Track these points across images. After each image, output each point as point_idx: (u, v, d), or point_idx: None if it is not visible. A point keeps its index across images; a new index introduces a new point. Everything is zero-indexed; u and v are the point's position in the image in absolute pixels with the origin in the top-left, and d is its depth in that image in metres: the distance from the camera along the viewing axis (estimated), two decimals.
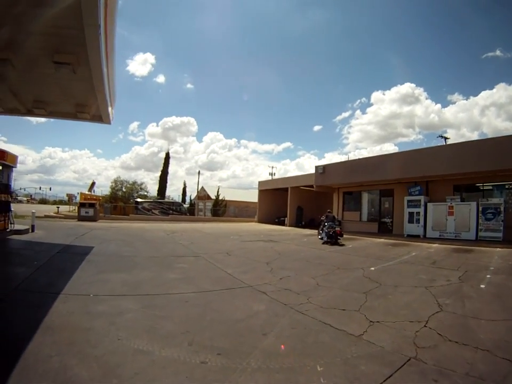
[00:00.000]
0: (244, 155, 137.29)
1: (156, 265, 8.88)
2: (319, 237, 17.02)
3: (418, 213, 18.31)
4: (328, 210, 19.41)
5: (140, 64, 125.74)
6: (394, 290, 6.83)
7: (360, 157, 23.33)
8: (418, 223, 18.21)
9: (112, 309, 5.09)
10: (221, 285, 6.93)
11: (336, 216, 19.44)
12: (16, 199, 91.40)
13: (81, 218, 26.33)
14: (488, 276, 8.18)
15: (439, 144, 19.61)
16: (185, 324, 4.62)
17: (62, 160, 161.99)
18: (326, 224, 16.67)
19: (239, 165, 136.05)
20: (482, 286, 7.22)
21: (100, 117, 13.02)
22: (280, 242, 15.64)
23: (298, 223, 29.96)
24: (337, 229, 15.98)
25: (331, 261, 10.29)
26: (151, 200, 43.21)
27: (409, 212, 18.71)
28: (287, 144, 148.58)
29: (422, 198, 18.35)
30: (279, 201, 34.53)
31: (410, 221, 18.58)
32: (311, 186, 26.99)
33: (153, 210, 39.31)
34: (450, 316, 5.18)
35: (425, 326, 4.71)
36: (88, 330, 4.21)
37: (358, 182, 21.49)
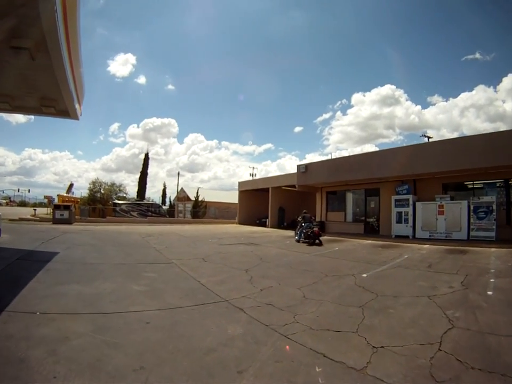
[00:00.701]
0: (225, 156, 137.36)
1: (121, 275, 7.76)
2: (296, 237, 16.97)
3: (406, 213, 17.59)
4: (304, 211, 19.02)
5: (120, 65, 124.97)
6: (394, 302, 5.89)
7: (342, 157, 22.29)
8: (407, 223, 17.49)
9: (57, 332, 4.09)
10: (192, 300, 5.87)
11: (312, 217, 18.92)
12: None
13: (56, 221, 25.06)
14: (492, 280, 7.43)
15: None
16: (141, 355, 3.58)
17: (42, 162, 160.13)
18: (303, 224, 16.85)
19: (220, 166, 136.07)
20: (489, 292, 6.41)
21: (67, 112, 12.21)
22: (262, 245, 14.65)
23: (280, 224, 29.09)
24: (315, 229, 16.02)
25: (318, 267, 9.34)
26: (129, 202, 42.01)
27: (397, 212, 17.99)
28: (268, 145, 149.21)
29: (410, 197, 17.64)
30: (260, 202, 33.68)
31: (399, 221, 17.85)
32: (293, 186, 26.04)
33: (131, 212, 38.38)
34: (465, 334, 4.32)
35: (439, 349, 3.81)
36: (20, 362, 3.27)
37: (342, 181, 20.63)
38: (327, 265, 9.63)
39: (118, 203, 40.27)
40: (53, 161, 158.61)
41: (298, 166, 23.37)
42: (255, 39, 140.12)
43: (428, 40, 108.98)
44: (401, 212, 17.80)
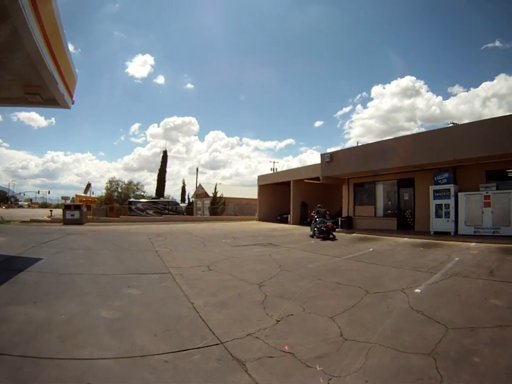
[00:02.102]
0: (246, 153, 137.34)
1: (96, 291, 6.00)
2: (311, 232, 16.49)
3: (447, 205, 15.25)
4: (319, 205, 18.15)
5: (139, 66, 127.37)
6: (474, 339, 3.86)
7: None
8: (448, 217, 15.16)
9: None
10: (171, 340, 3.91)
11: (327, 211, 17.60)
12: (17, 203, 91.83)
13: (66, 221, 23.78)
14: None
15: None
16: None
17: (64, 164, 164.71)
18: (317, 219, 16.52)
19: (242, 162, 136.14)
20: None
21: (55, 100, 10.96)
22: (282, 246, 12.57)
23: (302, 221, 26.52)
24: (329, 223, 15.82)
25: (353, 277, 7.24)
26: (145, 200, 40.91)
27: (436, 204, 15.65)
28: (289, 140, 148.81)
29: (451, 186, 15.25)
30: (281, 197, 31.66)
31: (438, 214, 15.53)
32: (317, 178, 23.84)
33: (147, 211, 36.97)
34: None
35: None
36: None
37: (372, 170, 18.23)
38: (365, 275, 7.52)
39: (134, 201, 39.18)
40: (75, 162, 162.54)
41: (323, 155, 20.93)
42: (272, 35, 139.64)
43: (447, 29, 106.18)
44: (441, 205, 15.47)
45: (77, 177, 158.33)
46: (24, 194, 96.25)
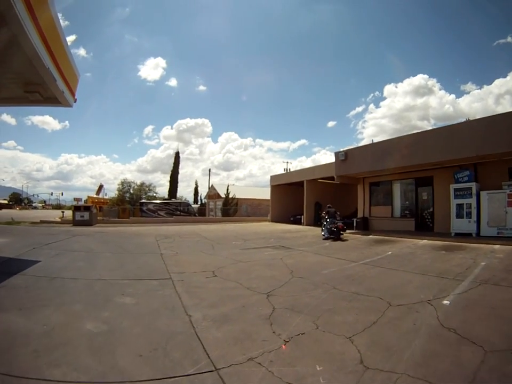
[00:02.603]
0: (260, 154, 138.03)
1: (86, 298, 5.51)
2: (323, 234, 16.18)
3: (469, 205, 14.37)
4: (329, 205, 17.75)
5: (151, 69, 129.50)
6: None
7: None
8: (470, 217, 14.28)
9: None
10: (157, 363, 3.30)
11: (337, 212, 17.04)
12: (31, 205, 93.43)
13: (76, 223, 23.87)
14: None
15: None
16: None
17: (78, 166, 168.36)
18: (328, 220, 16.23)
19: (255, 164, 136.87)
20: None
21: (55, 98, 10.77)
22: (294, 249, 11.85)
23: (316, 222, 25.53)
24: (339, 224, 15.51)
25: (373, 285, 6.51)
26: (157, 201, 40.69)
27: (457, 204, 14.77)
28: (302, 141, 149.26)
29: (473, 185, 14.37)
30: (294, 198, 30.90)
31: (459, 215, 14.65)
32: (331, 178, 22.98)
33: (158, 212, 36.95)
34: None
35: None
36: None
37: (389, 169, 17.32)
38: (385, 283, 6.79)
39: (145, 202, 39.11)
40: (89, 165, 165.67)
41: (337, 154, 20.04)
42: (282, 35, 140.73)
43: (459, 26, 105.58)
44: (462, 204, 14.58)
45: (91, 179, 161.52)
46: (38, 196, 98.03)
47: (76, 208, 25.74)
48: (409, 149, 15.62)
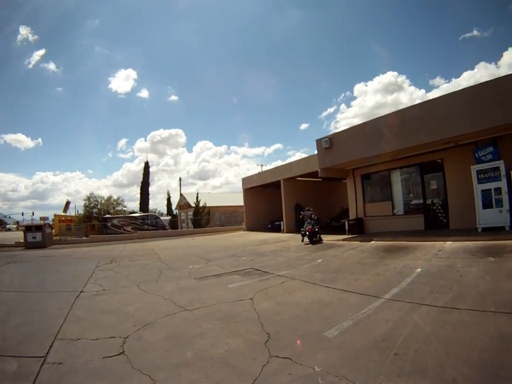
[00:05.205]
0: (235, 161, 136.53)
1: None
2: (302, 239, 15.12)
3: (498, 190, 11.00)
4: (307, 208, 16.28)
5: (122, 81, 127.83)
6: None
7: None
8: (500, 206, 10.86)
9: None
10: None
11: (313, 214, 15.38)
12: (5, 227, 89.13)
13: (28, 245, 21.40)
14: None
15: None
16: None
17: (54, 184, 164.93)
18: (306, 224, 15.02)
19: (231, 171, 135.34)
20: None
21: None
22: (273, 275, 7.98)
23: (299, 227, 21.54)
24: (309, 227, 14.62)
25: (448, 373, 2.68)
26: (122, 216, 37.08)
27: (482, 190, 11.37)
28: (277, 145, 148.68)
29: (500, 163, 11.03)
30: (271, 201, 27.32)
31: (487, 204, 11.22)
32: (312, 175, 19.53)
33: (124, 227, 33.69)
34: None
35: None
36: None
37: (388, 153, 13.57)
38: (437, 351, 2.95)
39: (109, 218, 35.46)
40: (64, 182, 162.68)
41: (319, 141, 16.02)
42: (253, 41, 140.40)
43: (424, 22, 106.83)
44: (489, 190, 11.23)
45: (67, 196, 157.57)
46: (9, 217, 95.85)
47: (27, 229, 22.86)
48: (415, 124, 11.97)
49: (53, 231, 29.24)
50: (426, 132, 11.73)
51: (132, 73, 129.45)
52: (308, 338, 3.80)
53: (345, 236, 15.10)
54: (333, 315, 4.55)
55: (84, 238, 28.95)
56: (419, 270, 6.91)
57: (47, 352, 3.93)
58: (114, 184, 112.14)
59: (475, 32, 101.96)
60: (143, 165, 50.58)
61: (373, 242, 12.35)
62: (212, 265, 10.19)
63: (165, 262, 11.57)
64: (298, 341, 3.75)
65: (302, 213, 16.40)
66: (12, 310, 6.01)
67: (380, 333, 3.77)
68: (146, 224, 34.61)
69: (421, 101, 14.22)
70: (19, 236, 24.63)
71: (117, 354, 3.75)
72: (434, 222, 13.85)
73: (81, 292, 7.34)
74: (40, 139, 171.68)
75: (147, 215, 37.98)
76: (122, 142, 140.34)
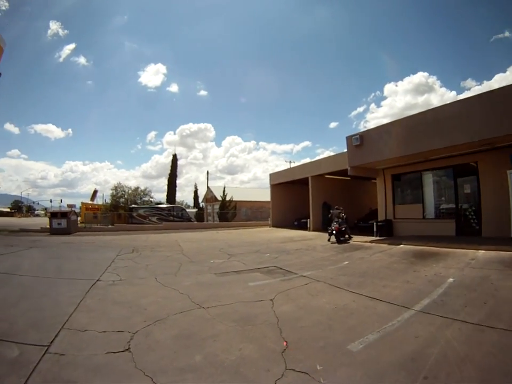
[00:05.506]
0: (263, 157, 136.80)
1: None
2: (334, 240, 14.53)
3: None
4: (336, 206, 16.10)
5: (152, 75, 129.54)
6: None
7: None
8: None
9: None
10: None
11: (343, 214, 15.44)
12: (33, 213, 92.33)
13: (53, 231, 21.85)
14: None
15: None
16: None
17: (83, 173, 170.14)
18: (334, 223, 14.89)
19: (259, 167, 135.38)
20: None
21: None
22: (296, 275, 7.71)
23: (325, 226, 20.42)
24: (336, 225, 14.49)
25: None
26: (148, 206, 37.64)
27: None
28: (306, 143, 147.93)
29: None
30: (298, 198, 26.92)
31: None
32: (341, 173, 19.13)
33: (150, 218, 33.80)
34: None
35: None
36: None
37: (419, 153, 12.94)
38: None
39: (136, 208, 36.14)
40: (93, 171, 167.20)
41: (349, 138, 15.54)
42: (280, 39, 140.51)
43: (456, 23, 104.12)
44: None
45: (96, 185, 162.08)
46: (38, 204, 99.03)
47: (53, 215, 22.97)
48: (449, 123, 11.40)
49: (79, 218, 29.86)
50: (461, 132, 11.10)
51: (161, 68, 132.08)
52: (329, 351, 3.54)
53: (373, 238, 14.70)
54: (358, 325, 4.27)
55: (109, 226, 29.38)
56: (451, 280, 6.51)
57: (51, 342, 3.86)
58: (143, 175, 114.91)
59: (506, 33, 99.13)
60: (171, 157, 51.12)
61: (402, 245, 11.91)
62: (234, 261, 10.03)
63: (187, 255, 11.47)
64: (318, 352, 3.50)
65: (331, 211, 16.03)
66: (24, 295, 6.02)
67: (409, 350, 3.47)
68: (172, 215, 34.75)
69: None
70: (46, 221, 25.06)
71: (122, 351, 3.62)
72: (466, 228, 13.23)
73: (97, 280, 7.33)
74: (70, 130, 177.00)
75: (173, 206, 38.27)
76: (152, 134, 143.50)
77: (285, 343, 3.71)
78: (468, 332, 3.88)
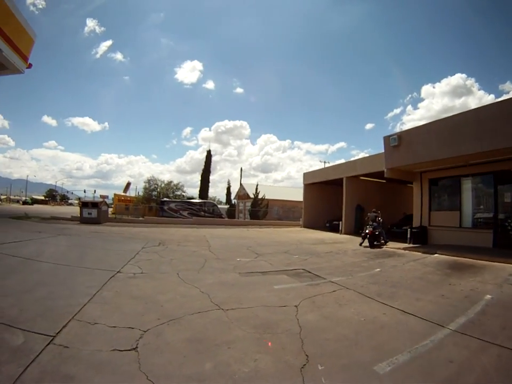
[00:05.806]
0: (298, 156, 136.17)
1: None
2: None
3: None
4: (373, 209, 15.71)
5: (188, 72, 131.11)
6: None
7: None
8: None
9: None
10: None
11: (379, 218, 15.15)
12: (67, 201, 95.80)
13: (83, 220, 22.23)
14: None
15: None
16: None
17: (118, 166, 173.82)
18: (368, 227, 14.70)
19: (293, 166, 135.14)
20: None
21: (2, 64, 10.48)
22: (325, 280, 7.45)
23: (358, 229, 20.40)
24: (370, 229, 14.28)
25: None
26: (179, 200, 38.02)
27: None
28: (341, 144, 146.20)
29: None
30: (331, 199, 26.27)
31: None
32: (377, 175, 18.62)
33: (181, 212, 34.32)
34: None
35: None
36: None
37: (460, 156, 12.24)
38: None
39: (167, 201, 36.34)
40: (128, 164, 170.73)
41: (387, 138, 14.90)
42: (316, 37, 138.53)
43: (495, 25, 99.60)
44: None
45: (130, 178, 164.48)
46: (72, 193, 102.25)
47: (84, 205, 23.57)
48: (491, 125, 10.70)
49: (110, 209, 30.45)
50: (504, 135, 10.43)
51: (197, 65, 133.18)
52: (353, 371, 3.30)
53: (406, 245, 14.19)
54: (387, 343, 3.99)
55: (140, 218, 29.79)
56: (489, 296, 6.08)
57: (58, 332, 3.81)
58: (177, 170, 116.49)
59: None
60: (205, 153, 51.47)
61: (436, 255, 11.40)
62: (261, 261, 9.87)
63: (213, 251, 11.42)
64: (344, 375, 3.26)
65: (368, 214, 15.63)
66: (41, 281, 6.06)
67: (442, 377, 3.19)
68: (203, 210, 34.99)
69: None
70: (77, 210, 25.80)
71: (128, 350, 3.51)
72: (504, 239, 12.43)
73: (117, 272, 7.35)
74: (106, 123, 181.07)
75: (205, 202, 38.52)
76: (187, 130, 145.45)
77: (305, 357, 3.49)
78: (506, 360, 3.54)
